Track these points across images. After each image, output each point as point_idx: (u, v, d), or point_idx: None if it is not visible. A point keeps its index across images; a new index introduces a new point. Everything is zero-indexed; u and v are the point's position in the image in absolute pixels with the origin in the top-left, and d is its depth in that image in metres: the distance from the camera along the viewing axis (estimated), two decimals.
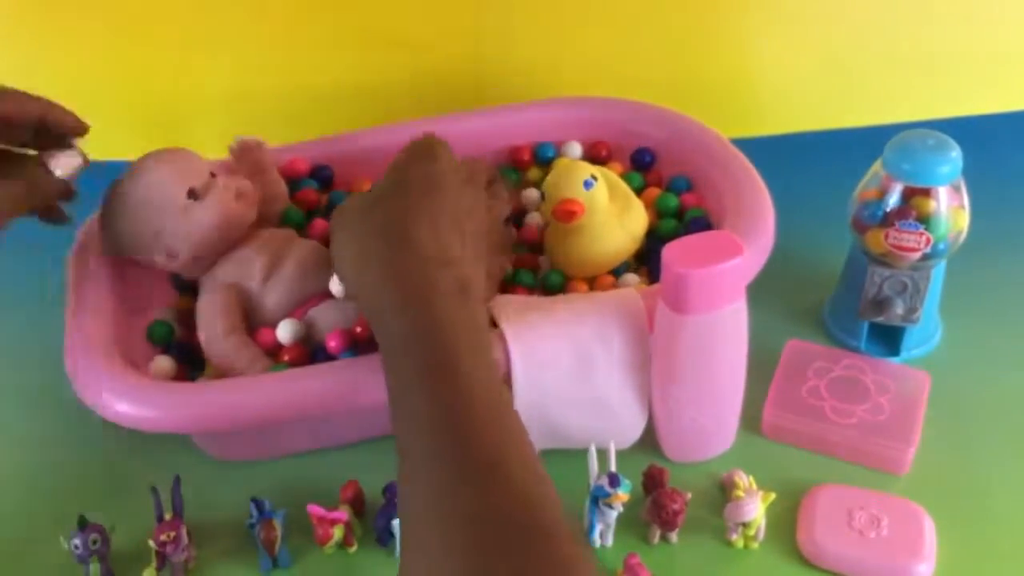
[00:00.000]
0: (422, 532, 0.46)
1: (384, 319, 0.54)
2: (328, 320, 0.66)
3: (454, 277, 0.55)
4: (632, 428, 0.65)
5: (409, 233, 0.56)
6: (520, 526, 0.44)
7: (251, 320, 0.66)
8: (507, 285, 0.70)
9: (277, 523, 0.62)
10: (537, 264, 0.72)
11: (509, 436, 0.49)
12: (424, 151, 0.60)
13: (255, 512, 0.62)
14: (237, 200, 0.66)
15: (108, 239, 0.67)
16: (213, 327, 0.65)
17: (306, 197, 0.75)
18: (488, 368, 0.53)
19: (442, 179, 0.59)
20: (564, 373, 0.62)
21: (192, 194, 0.65)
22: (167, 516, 0.63)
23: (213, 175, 0.66)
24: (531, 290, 0.70)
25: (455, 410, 0.49)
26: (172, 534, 0.61)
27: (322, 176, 0.78)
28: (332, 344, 0.63)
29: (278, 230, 0.70)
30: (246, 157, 0.71)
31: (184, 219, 0.65)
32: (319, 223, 0.73)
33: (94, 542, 0.61)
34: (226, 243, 0.66)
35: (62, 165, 0.60)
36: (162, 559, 0.62)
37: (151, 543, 0.61)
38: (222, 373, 0.65)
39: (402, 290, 0.54)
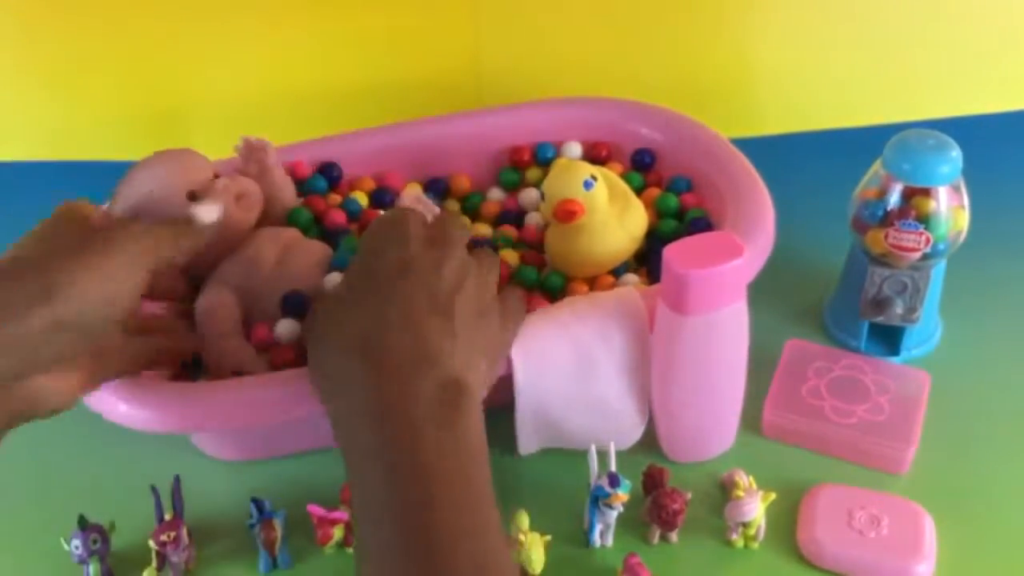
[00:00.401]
0: None
1: (354, 433, 0.48)
2: None
3: (435, 381, 0.49)
4: (632, 429, 0.65)
5: (383, 340, 0.49)
6: None
7: (250, 319, 0.66)
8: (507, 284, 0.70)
9: (277, 523, 0.62)
10: (541, 261, 0.72)
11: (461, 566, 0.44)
12: (391, 234, 0.54)
13: (255, 512, 0.62)
14: (237, 202, 0.66)
15: None
16: (212, 327, 0.65)
17: (311, 203, 0.74)
18: (466, 496, 0.47)
19: (414, 263, 0.52)
20: (565, 373, 0.62)
21: (192, 196, 0.64)
22: (167, 516, 0.63)
23: (216, 176, 0.66)
24: (532, 289, 0.70)
25: (429, 565, 0.44)
26: (172, 534, 0.61)
27: (330, 175, 0.77)
28: None
29: (284, 229, 0.70)
30: (252, 157, 0.71)
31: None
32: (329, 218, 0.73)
33: (94, 542, 0.61)
34: (225, 244, 0.66)
35: None
36: (162, 559, 0.62)
37: (151, 543, 0.61)
38: (219, 374, 0.64)
39: (373, 408, 0.48)
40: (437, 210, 0.73)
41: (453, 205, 0.80)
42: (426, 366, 0.49)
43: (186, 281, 0.67)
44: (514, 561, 0.51)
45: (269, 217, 0.70)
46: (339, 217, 0.73)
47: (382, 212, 0.76)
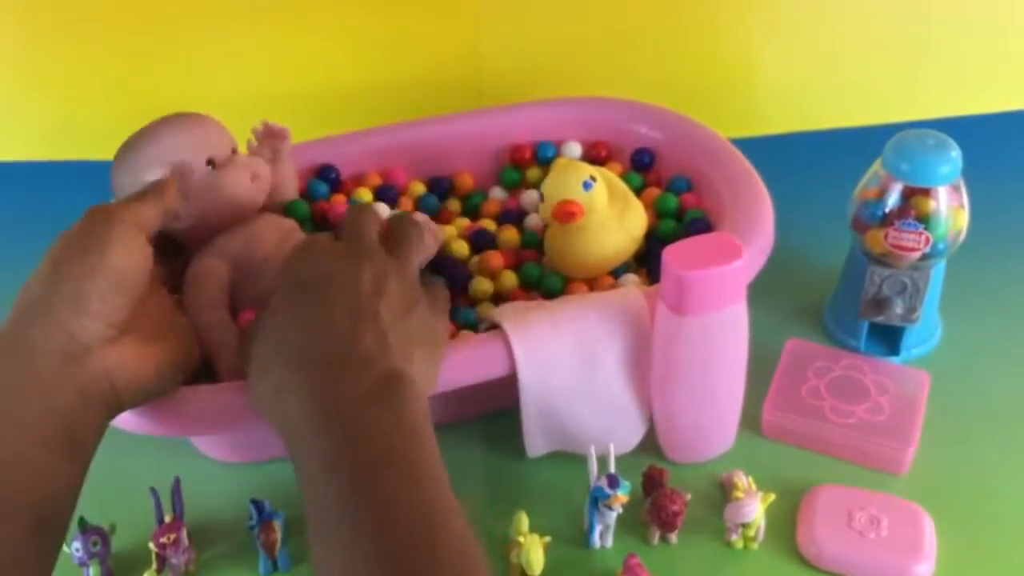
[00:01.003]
0: None
1: (303, 441, 0.49)
2: None
3: (369, 377, 0.50)
4: (635, 430, 0.66)
5: (311, 349, 0.51)
6: None
7: (237, 300, 0.65)
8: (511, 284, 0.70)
9: (277, 525, 0.62)
10: (538, 258, 0.72)
11: (437, 561, 0.45)
12: (306, 257, 0.55)
13: (255, 514, 0.62)
14: (252, 181, 0.66)
15: (115, 189, 0.66)
16: (199, 292, 0.63)
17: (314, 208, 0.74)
18: (417, 483, 0.47)
19: (330, 273, 0.53)
20: (568, 373, 0.62)
21: (211, 163, 0.64)
22: (167, 518, 0.63)
23: (235, 151, 0.66)
24: (530, 289, 0.70)
25: (375, 544, 0.44)
26: (172, 536, 0.61)
27: (328, 177, 0.77)
28: None
29: (283, 219, 0.69)
30: (268, 142, 0.71)
31: (199, 186, 0.64)
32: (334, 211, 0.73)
33: (94, 544, 0.61)
34: (228, 221, 0.66)
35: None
36: (162, 561, 0.62)
37: (151, 545, 0.61)
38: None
39: (319, 409, 0.49)
40: (442, 236, 0.72)
41: (455, 204, 0.80)
42: (359, 367, 0.50)
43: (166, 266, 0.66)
44: (470, 537, 0.50)
45: (269, 205, 0.69)
46: (344, 210, 0.73)
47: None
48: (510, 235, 0.74)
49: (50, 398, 0.50)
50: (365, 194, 0.77)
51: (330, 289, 0.52)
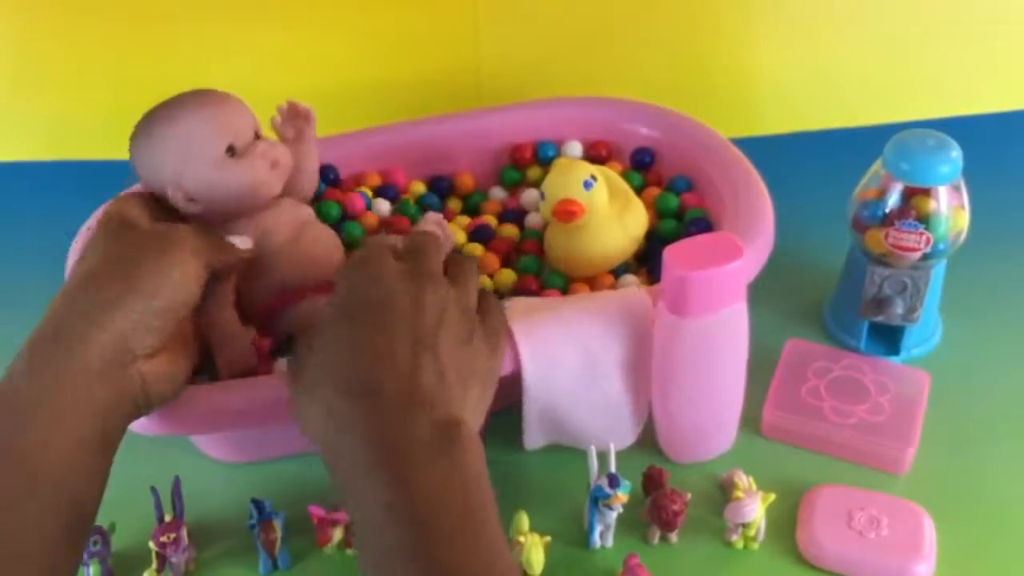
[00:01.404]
0: None
1: (356, 478, 0.48)
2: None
3: (429, 421, 0.48)
4: (632, 428, 0.66)
5: (369, 379, 0.49)
6: None
7: (247, 288, 0.64)
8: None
9: (277, 524, 0.62)
10: (538, 251, 0.72)
11: None
12: (367, 272, 0.53)
13: (255, 513, 0.62)
14: (271, 170, 0.64)
15: (134, 165, 0.65)
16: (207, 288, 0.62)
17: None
18: (473, 535, 0.46)
19: (391, 300, 0.51)
20: (572, 372, 0.62)
21: (231, 151, 0.63)
22: (167, 517, 0.63)
23: (258, 136, 0.64)
24: (530, 282, 0.70)
25: None
26: (172, 535, 0.61)
27: (327, 178, 0.77)
28: None
29: (303, 206, 0.68)
30: (292, 121, 0.70)
31: (214, 174, 0.62)
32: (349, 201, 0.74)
33: (94, 543, 0.61)
34: (244, 208, 0.65)
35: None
36: (162, 560, 0.62)
37: (151, 544, 0.61)
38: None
39: (369, 451, 0.48)
40: (453, 237, 0.72)
41: (456, 204, 0.80)
42: (418, 408, 0.49)
43: None
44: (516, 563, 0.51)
45: (289, 189, 0.68)
46: (358, 202, 0.75)
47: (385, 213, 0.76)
48: (510, 232, 0.74)
49: (96, 403, 0.52)
50: (367, 193, 0.77)
51: (392, 315, 0.50)
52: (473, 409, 0.52)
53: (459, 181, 0.80)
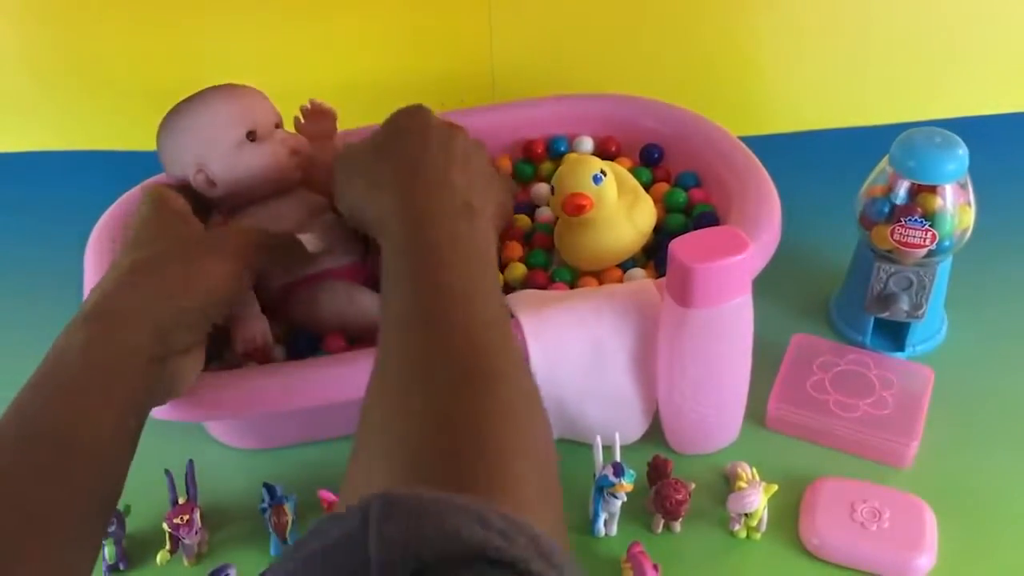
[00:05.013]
0: (386, 387, 0.48)
1: (388, 226, 0.56)
2: (331, 305, 0.66)
3: (459, 199, 0.57)
4: (640, 422, 0.66)
5: (416, 164, 0.59)
6: (469, 370, 0.47)
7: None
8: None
9: (288, 508, 0.63)
10: (548, 245, 0.73)
11: (495, 336, 0.51)
12: (415, 110, 0.63)
13: (267, 497, 0.63)
14: (290, 156, 0.66)
15: (161, 156, 0.68)
16: None
17: None
18: (483, 287, 0.54)
19: (428, 129, 0.61)
20: (581, 365, 0.63)
21: (251, 135, 0.65)
22: (181, 500, 0.64)
23: (278, 126, 0.67)
24: (539, 275, 0.71)
25: (435, 308, 0.51)
26: (186, 517, 0.62)
27: None
28: (331, 345, 0.65)
29: (315, 197, 0.70)
30: (315, 119, 0.71)
31: (234, 156, 0.65)
32: None
33: (109, 524, 0.63)
34: (262, 192, 0.67)
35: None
36: (175, 542, 0.64)
37: (165, 526, 0.63)
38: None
39: (410, 206, 0.56)
40: None
41: None
42: (450, 190, 0.58)
43: None
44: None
45: (309, 182, 0.70)
46: None
47: None
48: (523, 222, 0.76)
49: (133, 393, 0.54)
50: None
51: (428, 139, 0.60)
52: (491, 215, 0.60)
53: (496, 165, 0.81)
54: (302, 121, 0.71)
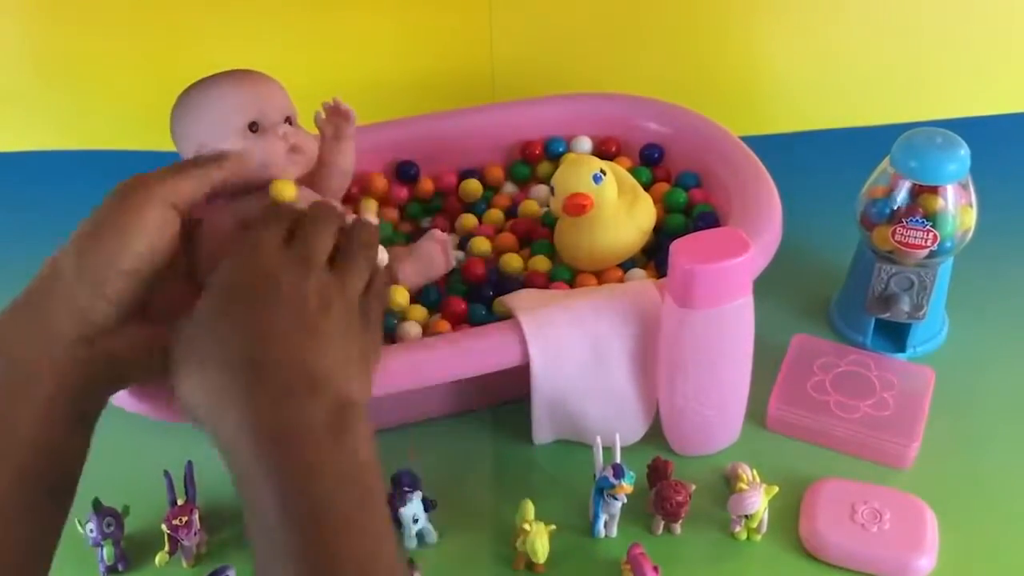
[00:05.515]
0: None
1: (249, 477, 0.46)
2: None
3: (323, 407, 0.47)
4: (641, 423, 0.66)
5: (258, 363, 0.47)
6: None
7: None
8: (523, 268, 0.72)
9: None
10: (549, 236, 0.73)
11: None
12: (249, 251, 0.51)
13: None
14: (288, 154, 0.64)
15: (174, 139, 0.66)
16: (211, 244, 0.61)
17: None
18: (360, 527, 0.45)
19: (277, 281, 0.50)
20: (581, 365, 0.63)
21: (253, 127, 0.64)
22: (180, 501, 0.64)
23: (288, 121, 0.64)
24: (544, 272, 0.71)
25: None
26: (184, 518, 0.62)
27: None
28: None
29: (311, 195, 0.66)
30: (333, 119, 0.70)
31: (233, 144, 0.62)
32: None
33: (108, 525, 0.62)
34: (256, 185, 0.63)
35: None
36: (174, 543, 0.63)
37: (164, 527, 0.63)
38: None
39: (263, 439, 0.46)
40: (456, 258, 0.72)
41: (467, 196, 0.81)
42: (311, 391, 0.47)
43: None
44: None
45: (317, 182, 0.68)
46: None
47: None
48: (531, 208, 0.76)
49: (62, 378, 0.51)
50: (380, 181, 0.78)
51: (277, 298, 0.50)
52: (359, 384, 0.52)
53: (489, 174, 0.81)
54: (323, 117, 0.70)
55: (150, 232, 0.53)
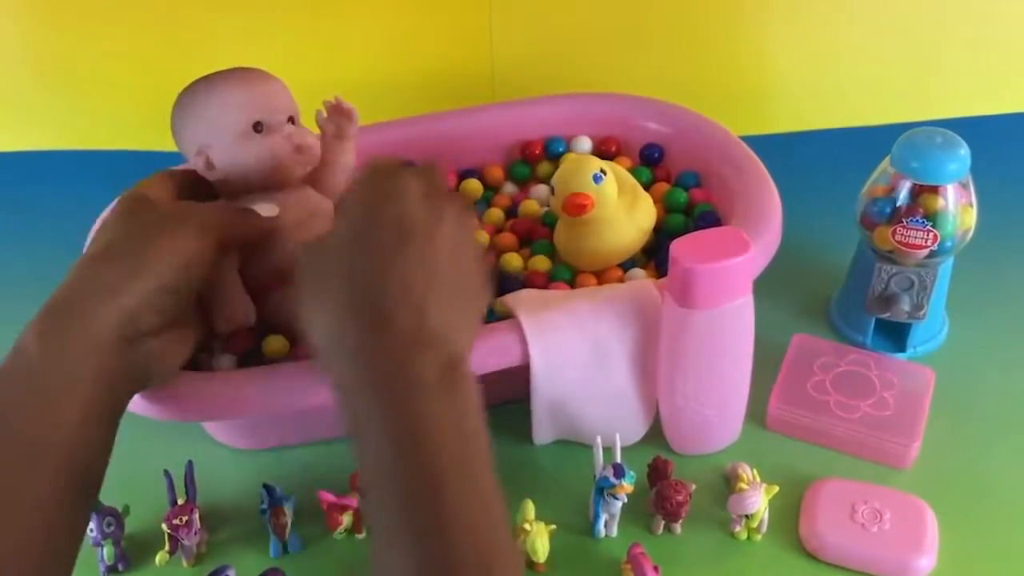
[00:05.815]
0: None
1: (359, 418, 0.48)
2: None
3: (437, 361, 0.48)
4: (641, 423, 0.66)
5: (382, 309, 0.48)
6: None
7: (245, 265, 0.64)
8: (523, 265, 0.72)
9: (288, 509, 0.63)
10: (550, 236, 0.73)
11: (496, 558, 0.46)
12: (388, 187, 0.52)
13: (266, 498, 0.63)
14: (293, 153, 0.64)
15: (175, 136, 0.67)
16: None
17: None
18: (474, 478, 0.47)
19: (413, 225, 0.50)
20: (581, 366, 0.63)
21: (258, 127, 0.64)
22: (180, 501, 0.64)
23: (291, 120, 0.65)
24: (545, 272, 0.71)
25: (438, 554, 0.44)
26: (185, 518, 0.62)
27: None
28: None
29: (318, 198, 0.67)
30: (335, 118, 0.70)
31: (237, 145, 0.63)
32: None
33: (108, 525, 0.63)
34: (262, 184, 0.65)
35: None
36: (175, 543, 0.63)
37: (164, 527, 0.63)
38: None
39: (379, 386, 0.48)
40: None
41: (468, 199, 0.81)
42: (426, 346, 0.48)
43: None
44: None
45: (317, 180, 0.68)
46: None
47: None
48: (532, 208, 0.76)
49: (103, 379, 0.53)
50: None
51: (411, 241, 0.50)
52: (469, 339, 0.53)
53: (489, 174, 0.81)
54: (324, 115, 0.70)
55: (203, 260, 0.56)
